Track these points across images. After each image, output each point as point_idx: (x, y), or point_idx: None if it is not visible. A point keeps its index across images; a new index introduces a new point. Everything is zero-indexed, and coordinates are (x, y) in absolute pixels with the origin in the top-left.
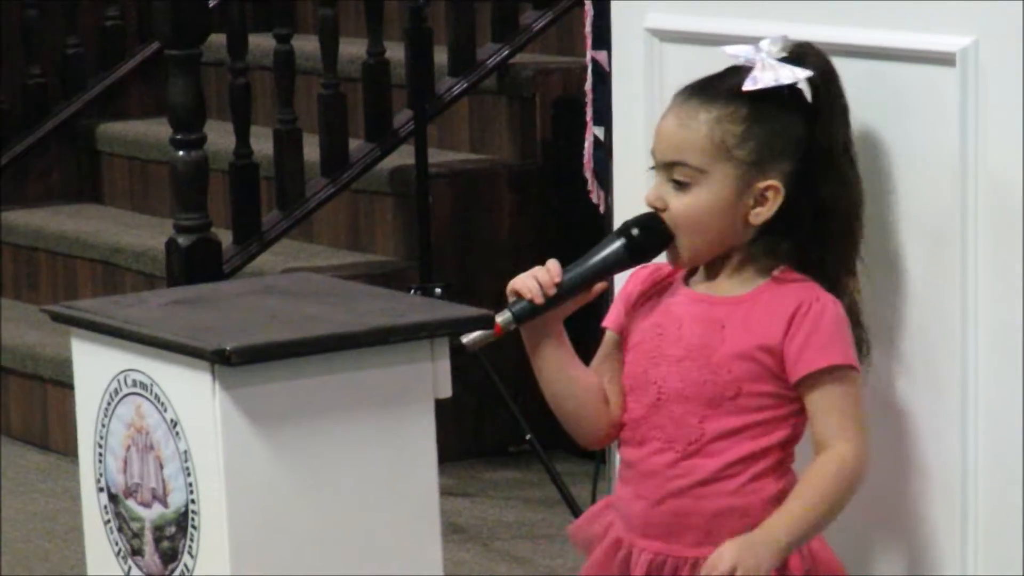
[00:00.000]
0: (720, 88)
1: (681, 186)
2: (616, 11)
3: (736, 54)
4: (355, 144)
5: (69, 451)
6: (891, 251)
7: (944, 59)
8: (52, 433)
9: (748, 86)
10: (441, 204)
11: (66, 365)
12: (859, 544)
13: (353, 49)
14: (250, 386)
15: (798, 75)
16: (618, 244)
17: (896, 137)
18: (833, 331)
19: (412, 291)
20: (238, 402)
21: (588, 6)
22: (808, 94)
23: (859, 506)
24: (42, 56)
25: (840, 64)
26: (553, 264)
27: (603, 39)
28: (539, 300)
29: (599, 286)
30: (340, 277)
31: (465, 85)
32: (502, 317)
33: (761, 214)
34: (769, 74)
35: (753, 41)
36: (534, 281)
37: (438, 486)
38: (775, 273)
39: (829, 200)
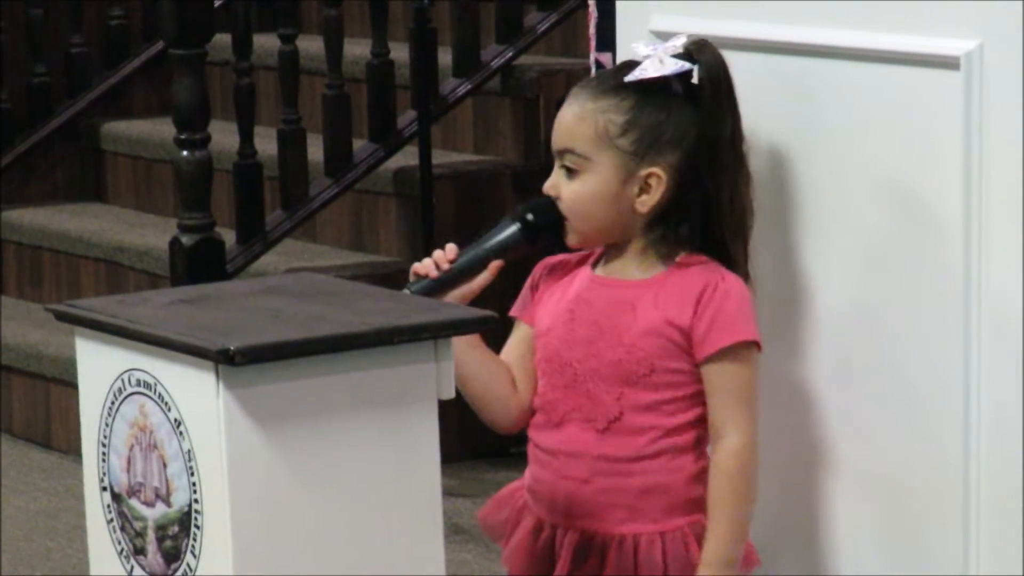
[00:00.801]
0: (611, 80)
1: (571, 173)
2: (621, 13)
3: (637, 50)
4: (359, 144)
5: (71, 450)
6: (895, 255)
7: (948, 63)
8: (54, 432)
9: (631, 77)
10: (444, 205)
11: (68, 364)
12: (859, 544)
13: (357, 49)
14: (254, 386)
15: (677, 68)
16: (513, 227)
17: (900, 140)
18: (738, 309)
19: None
20: (242, 402)
21: (592, 8)
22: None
23: (859, 507)
24: (46, 55)
25: (844, 67)
26: (450, 245)
27: (607, 41)
28: (433, 274)
29: (494, 265)
30: (343, 277)
31: (469, 86)
32: (404, 291)
33: (646, 202)
34: (653, 67)
35: (756, 44)
36: (431, 260)
37: (441, 487)
38: (677, 259)
39: (714, 191)
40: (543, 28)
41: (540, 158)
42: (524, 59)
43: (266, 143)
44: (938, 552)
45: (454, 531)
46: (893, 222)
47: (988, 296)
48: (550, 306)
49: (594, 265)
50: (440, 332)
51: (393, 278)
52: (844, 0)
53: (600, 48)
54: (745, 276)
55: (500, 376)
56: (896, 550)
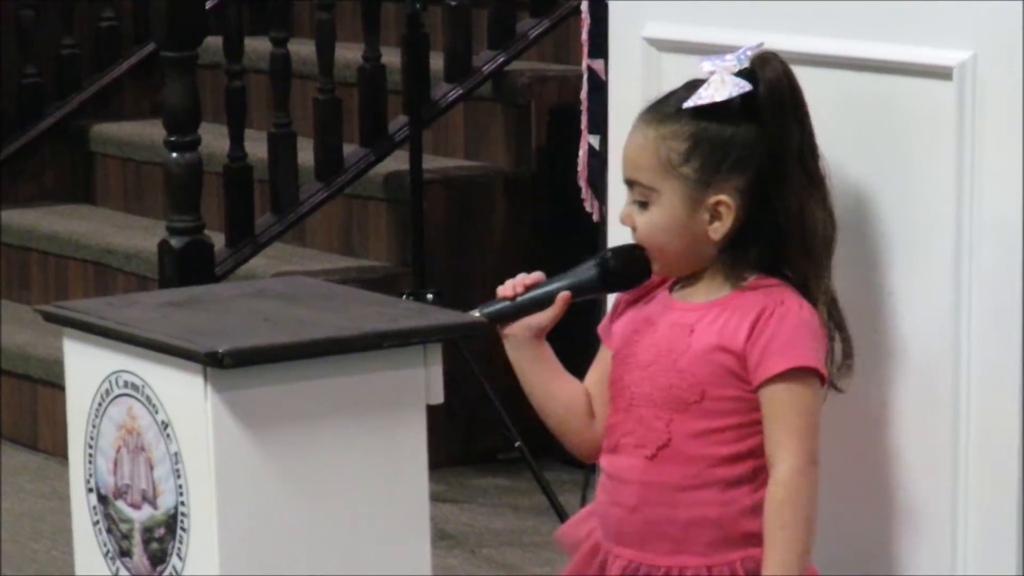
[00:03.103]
0: (672, 106)
1: (641, 204)
2: (614, 20)
3: (703, 67)
4: (350, 149)
5: (58, 452)
6: (886, 265)
7: (942, 73)
8: (41, 433)
9: (689, 104)
10: (435, 210)
11: (56, 365)
12: (847, 544)
13: (349, 54)
14: (242, 389)
15: (736, 90)
16: (592, 270)
17: (893, 150)
18: (794, 334)
19: (404, 296)
20: (230, 405)
21: (585, 14)
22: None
23: (848, 507)
24: (37, 56)
25: (837, 76)
26: (537, 272)
27: (599, 47)
28: (510, 295)
29: (562, 296)
30: (333, 281)
31: (460, 91)
32: (475, 313)
33: (718, 229)
34: (712, 90)
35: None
36: (512, 281)
37: (428, 492)
38: (745, 282)
39: (783, 210)
40: (535, 34)
41: (531, 164)
42: (516, 65)
43: (257, 146)
44: (925, 553)
45: (440, 536)
46: (885, 231)
47: (980, 305)
48: (623, 327)
49: (672, 286)
50: (429, 337)
51: (383, 283)
52: (839, 10)
53: (592, 54)
54: (820, 297)
55: (575, 408)
56: (883, 550)
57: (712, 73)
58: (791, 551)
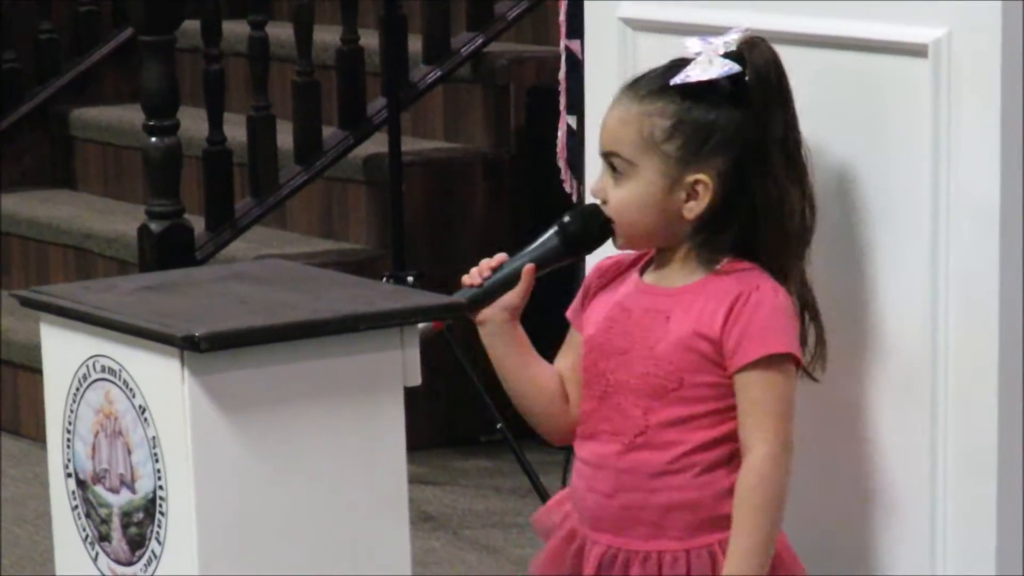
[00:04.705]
0: (657, 82)
1: (617, 177)
2: (590, 0)
3: (688, 47)
4: (329, 132)
5: (40, 437)
6: (862, 243)
7: (917, 50)
8: (23, 419)
9: (676, 81)
10: (414, 192)
11: (37, 351)
12: (829, 543)
13: (327, 36)
14: (219, 372)
15: (725, 71)
16: (553, 238)
17: (868, 129)
18: (770, 320)
19: (384, 279)
20: (207, 388)
21: None
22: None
23: (830, 506)
24: (16, 41)
25: (812, 55)
26: (499, 255)
27: (577, 28)
28: (476, 283)
29: (527, 269)
30: (313, 264)
31: (439, 73)
32: None
33: (693, 208)
34: (700, 69)
35: (725, 32)
36: (476, 269)
37: (407, 474)
38: (719, 265)
39: (762, 195)
40: (513, 15)
41: (510, 146)
42: (494, 46)
43: (235, 130)
44: (905, 552)
45: (423, 519)
46: (861, 208)
47: (956, 283)
48: (596, 312)
49: (643, 270)
50: (406, 319)
51: (362, 265)
52: None
53: (570, 35)
54: (793, 286)
55: (550, 392)
56: (862, 544)
57: (699, 53)
58: (758, 537)
